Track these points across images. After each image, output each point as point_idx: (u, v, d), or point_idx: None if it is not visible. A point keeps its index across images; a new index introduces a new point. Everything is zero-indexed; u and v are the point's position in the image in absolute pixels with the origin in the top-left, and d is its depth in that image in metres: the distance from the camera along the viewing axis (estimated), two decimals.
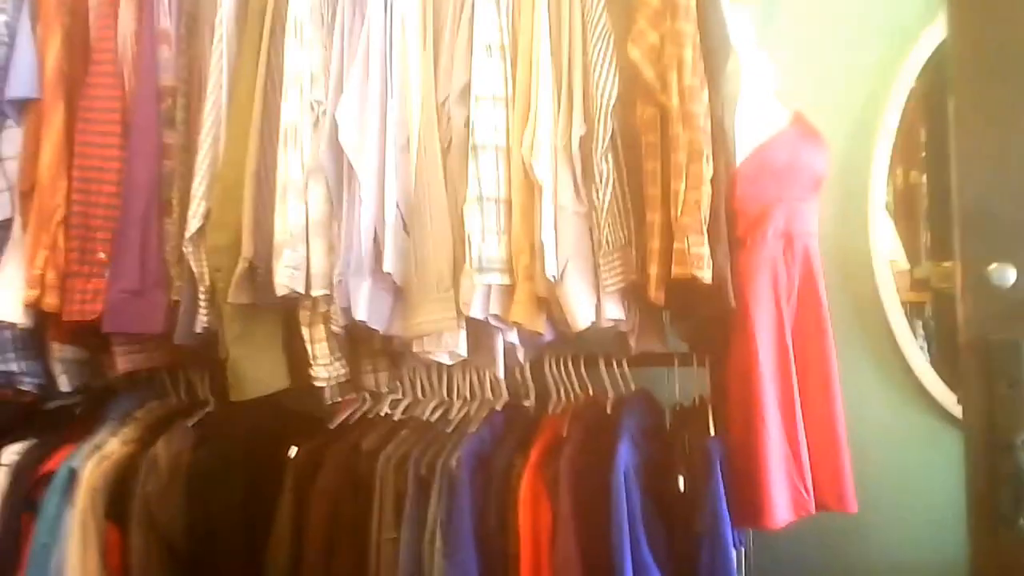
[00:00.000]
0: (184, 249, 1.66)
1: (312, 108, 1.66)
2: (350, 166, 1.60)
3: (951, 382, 1.94)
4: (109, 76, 1.75)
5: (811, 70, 1.94)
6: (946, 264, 1.94)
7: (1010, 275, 1.39)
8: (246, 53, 1.69)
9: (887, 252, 1.98)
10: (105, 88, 1.75)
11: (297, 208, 1.61)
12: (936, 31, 1.91)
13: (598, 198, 1.52)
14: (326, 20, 1.70)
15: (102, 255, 1.71)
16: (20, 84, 1.75)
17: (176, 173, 1.72)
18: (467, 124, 1.57)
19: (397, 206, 1.59)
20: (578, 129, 1.52)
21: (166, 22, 1.76)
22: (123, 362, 1.78)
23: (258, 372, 1.64)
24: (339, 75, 1.65)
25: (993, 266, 1.41)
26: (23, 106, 1.78)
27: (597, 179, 1.51)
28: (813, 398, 1.58)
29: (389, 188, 1.58)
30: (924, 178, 2.05)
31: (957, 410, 1.85)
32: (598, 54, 1.53)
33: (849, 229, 1.97)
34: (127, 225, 1.70)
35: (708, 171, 1.46)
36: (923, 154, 2.04)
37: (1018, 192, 1.63)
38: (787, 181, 1.57)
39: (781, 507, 1.51)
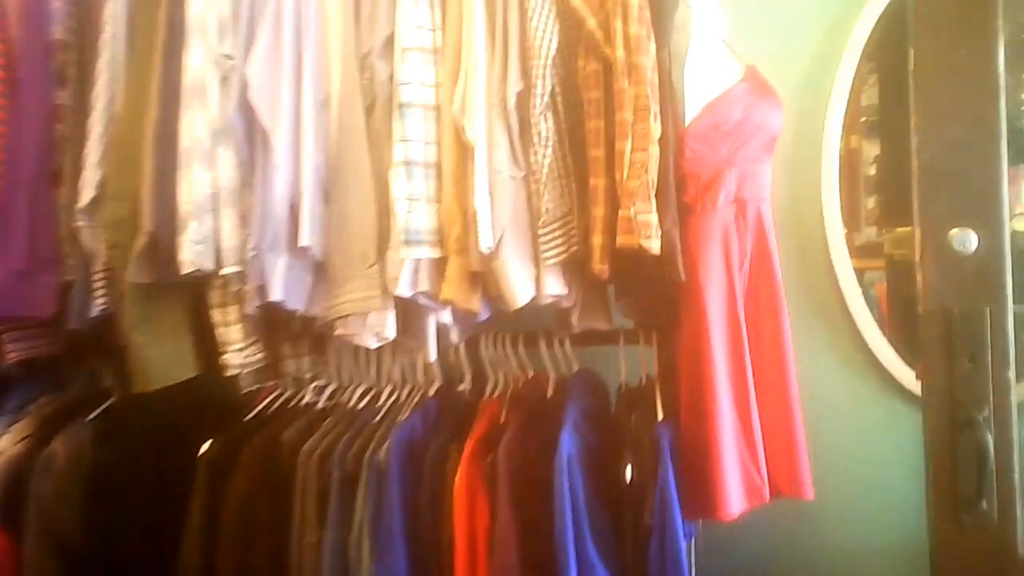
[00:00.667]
0: (76, 223, 1.48)
1: (220, 63, 1.49)
2: (263, 128, 1.44)
3: (908, 357, 1.85)
4: None
5: (759, 18, 1.82)
6: (900, 230, 1.85)
7: (972, 240, 1.29)
8: (144, 3, 1.51)
9: (839, 220, 1.87)
10: None
11: (204, 175, 1.44)
12: None
13: (537, 161, 1.38)
14: None
15: None
16: None
17: (68, 137, 1.53)
18: (392, 79, 1.42)
19: (315, 172, 1.43)
20: (514, 85, 1.38)
21: None
22: (12, 351, 1.60)
23: (163, 360, 1.47)
24: (249, 25, 1.48)
25: (954, 231, 1.32)
26: None
27: (536, 140, 1.37)
28: (767, 377, 1.46)
29: (306, 152, 1.42)
30: (863, 143, 1.93)
31: (915, 386, 1.75)
32: (535, 1, 1.38)
33: (800, 193, 1.86)
34: (13, 196, 1.51)
35: (656, 130, 1.33)
36: (862, 119, 1.92)
37: (981, 153, 1.53)
38: (740, 141, 1.44)
39: (735, 497, 1.39)
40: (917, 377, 1.69)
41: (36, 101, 1.53)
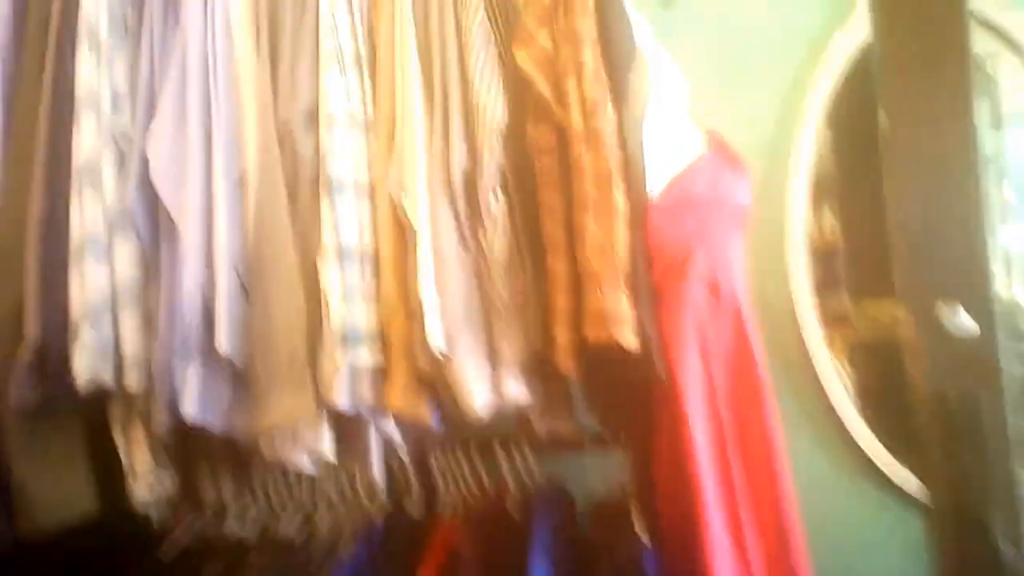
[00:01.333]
0: None
1: (115, 140, 1.29)
2: (168, 212, 1.24)
3: (891, 446, 1.63)
4: None
5: (715, 83, 1.67)
6: (872, 301, 1.69)
7: (963, 317, 1.16)
8: (27, 72, 1.31)
9: (809, 296, 1.70)
10: None
11: (99, 271, 1.24)
12: (848, 37, 1.67)
13: (487, 242, 1.20)
14: (130, 26, 1.34)
15: None
16: None
17: None
18: (317, 154, 1.23)
19: (232, 263, 1.23)
20: (459, 158, 1.20)
21: None
22: None
23: (56, 495, 1.25)
24: (148, 95, 1.29)
25: (941, 307, 1.18)
26: None
27: (485, 219, 1.20)
28: (757, 484, 1.28)
29: (220, 240, 1.22)
30: (825, 210, 1.77)
31: (901, 477, 1.58)
32: (478, 62, 1.21)
33: (765, 267, 1.67)
34: None
35: (621, 202, 1.16)
36: (826, 186, 1.76)
37: (961, 220, 1.42)
38: (708, 215, 1.28)
39: None
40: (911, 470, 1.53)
41: None
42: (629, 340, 1.12)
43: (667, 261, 1.26)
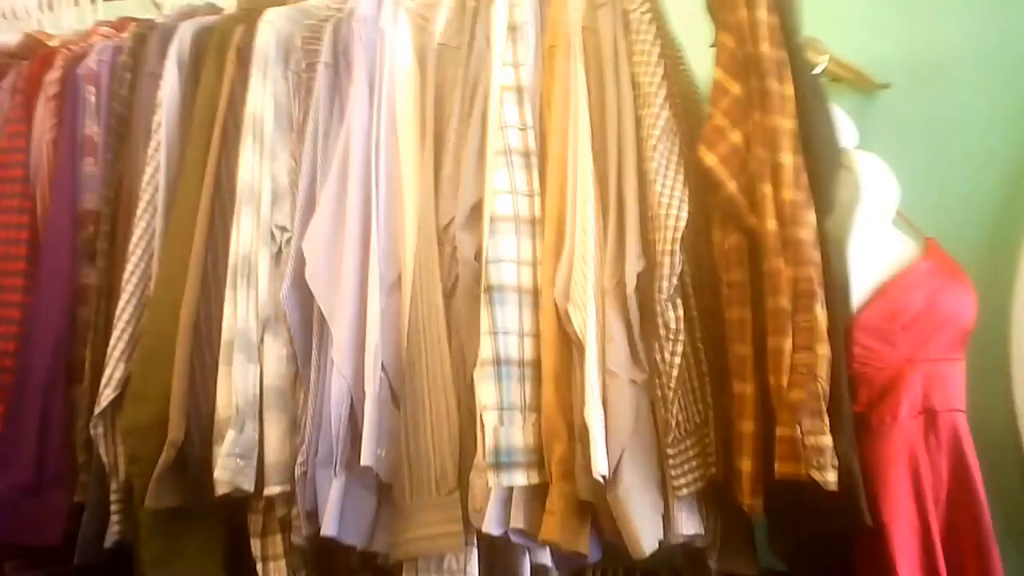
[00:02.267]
0: (92, 430, 1.22)
1: (274, 236, 1.25)
2: (320, 314, 1.18)
3: None
4: (16, 197, 1.36)
5: (924, 178, 1.47)
6: None
7: None
8: (189, 165, 1.29)
9: None
10: (10, 212, 1.35)
11: (248, 370, 1.19)
12: None
13: (664, 360, 1.07)
14: (295, 120, 1.31)
15: None
16: None
17: (92, 324, 1.29)
18: (479, 256, 1.15)
19: (383, 369, 1.15)
20: (634, 264, 1.09)
21: (92, 127, 1.36)
22: None
23: None
24: (308, 192, 1.25)
25: None
26: None
27: (662, 333, 1.07)
28: None
29: (372, 344, 1.14)
30: None
31: None
32: (660, 160, 1.11)
33: (988, 392, 1.32)
34: (24, 396, 1.28)
35: (822, 320, 1.02)
36: None
37: None
38: (924, 335, 1.11)
39: None
40: None
41: (59, 280, 1.31)
42: (827, 477, 0.96)
43: (874, 386, 1.10)
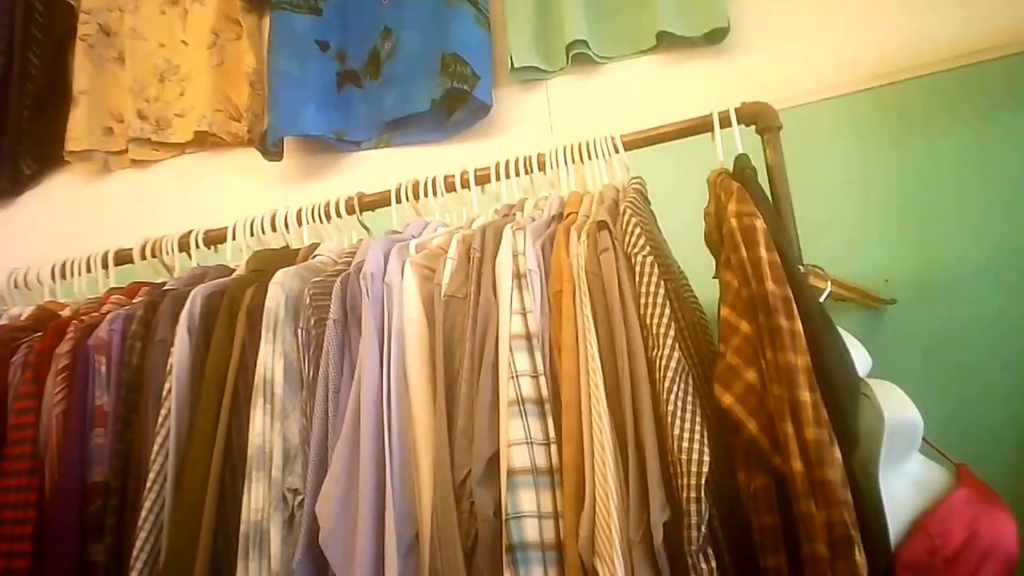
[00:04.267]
0: None
1: (285, 499, 1.22)
2: None
3: None
4: (24, 475, 1.32)
5: (943, 401, 1.45)
6: None
7: None
8: (199, 431, 1.28)
9: None
10: (17, 492, 1.32)
11: None
12: None
13: None
14: (306, 379, 1.30)
15: None
16: None
17: None
18: (499, 512, 1.11)
19: None
20: (659, 514, 1.05)
21: (102, 397, 1.36)
22: None
23: None
24: (321, 450, 1.22)
25: None
26: None
27: None
28: None
29: None
30: None
31: None
32: (675, 403, 1.09)
33: None
34: None
35: (862, 565, 0.97)
36: None
37: None
38: (971, 568, 1.06)
39: None
40: None
41: (64, 562, 1.25)
42: None
43: None
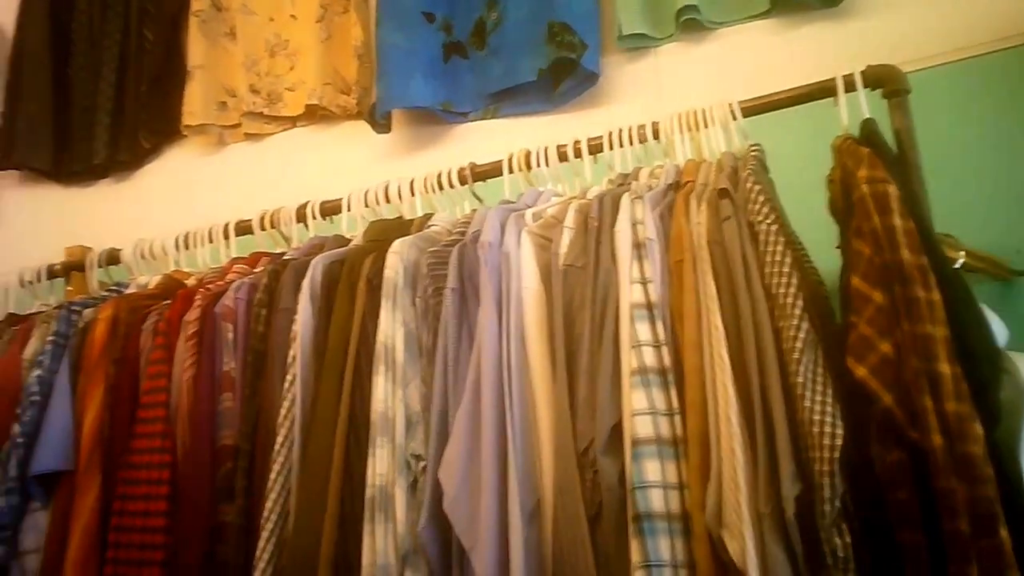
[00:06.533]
0: None
1: (409, 465, 1.24)
2: (460, 545, 1.14)
3: None
4: (158, 437, 1.38)
5: None
6: None
7: None
8: (323, 397, 1.31)
9: None
10: (152, 453, 1.37)
11: None
12: None
13: None
14: (425, 346, 1.32)
15: None
16: (48, 455, 1.40)
17: (231, 565, 1.28)
18: (623, 481, 1.11)
19: None
20: (790, 487, 1.03)
21: (230, 363, 1.40)
22: None
23: None
24: (442, 418, 1.24)
25: None
26: (53, 480, 1.41)
27: (830, 562, 1.00)
28: None
29: None
30: None
31: None
32: (805, 374, 1.07)
33: None
34: None
35: (1008, 546, 0.94)
36: None
37: None
38: None
39: None
40: None
41: (199, 519, 1.31)
42: None
43: None
